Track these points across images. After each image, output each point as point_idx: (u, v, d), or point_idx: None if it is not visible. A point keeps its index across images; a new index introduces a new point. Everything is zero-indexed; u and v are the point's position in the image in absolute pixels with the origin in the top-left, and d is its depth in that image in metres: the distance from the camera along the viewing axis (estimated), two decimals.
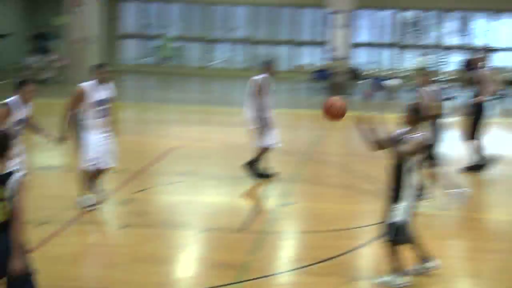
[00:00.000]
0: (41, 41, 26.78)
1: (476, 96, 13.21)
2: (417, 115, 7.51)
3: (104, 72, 10.22)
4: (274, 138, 12.05)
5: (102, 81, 10.14)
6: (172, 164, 13.83)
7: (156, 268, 7.99)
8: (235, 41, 31.71)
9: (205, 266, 8.17)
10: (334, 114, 8.07)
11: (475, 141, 13.24)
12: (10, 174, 5.76)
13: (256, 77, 12.09)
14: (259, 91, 11.99)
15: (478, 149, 13.29)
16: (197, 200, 11.17)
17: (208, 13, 31.51)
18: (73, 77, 25.03)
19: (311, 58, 30.92)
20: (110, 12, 30.61)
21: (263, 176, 12.16)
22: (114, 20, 31.27)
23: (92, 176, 10.29)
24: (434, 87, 11.39)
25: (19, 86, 9.20)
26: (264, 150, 12.13)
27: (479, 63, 13.41)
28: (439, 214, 10.47)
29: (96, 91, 10.07)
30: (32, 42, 27.21)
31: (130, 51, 32.09)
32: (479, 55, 13.71)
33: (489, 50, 16.44)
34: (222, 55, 32.16)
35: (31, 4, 30.48)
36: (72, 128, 10.68)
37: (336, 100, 7.99)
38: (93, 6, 26.49)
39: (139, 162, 13.52)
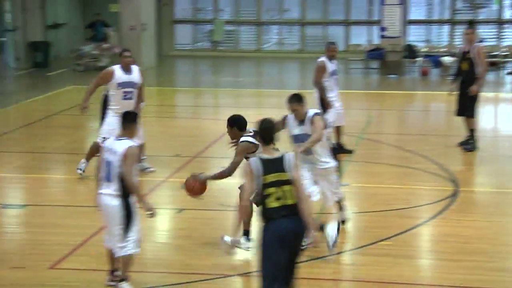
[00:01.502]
0: (96, 29, 27.03)
1: None
2: None
3: (126, 57, 11.01)
4: (333, 117, 12.04)
5: (125, 66, 10.95)
6: (227, 148, 13.88)
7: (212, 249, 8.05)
8: (287, 23, 31.59)
9: None
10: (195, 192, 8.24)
11: None
12: (282, 157, 6.31)
13: (319, 59, 12.30)
14: (320, 73, 12.16)
15: None
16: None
17: None
18: None
19: (365, 37, 30.62)
20: None
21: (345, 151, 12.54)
22: (167, 5, 31.40)
23: (95, 151, 10.77)
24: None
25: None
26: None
27: None
28: None
29: (120, 75, 10.88)
30: (87, 30, 27.50)
31: (184, 36, 32.21)
32: None
33: None
34: (274, 37, 32.07)
35: None
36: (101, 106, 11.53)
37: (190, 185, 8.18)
38: None
39: (195, 146, 13.61)
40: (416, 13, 30.78)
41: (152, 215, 6.98)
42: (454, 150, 13.19)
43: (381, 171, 11.93)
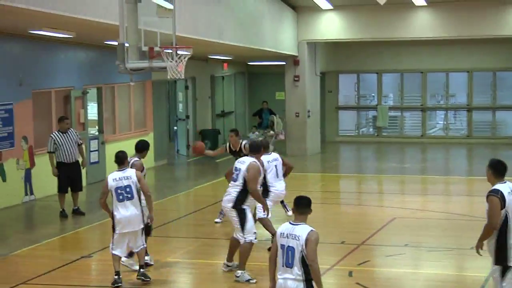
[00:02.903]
0: (262, 116, 27.88)
1: None
2: None
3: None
4: None
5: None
6: (394, 235, 13.75)
7: None
8: (452, 108, 31.21)
9: None
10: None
11: None
12: None
13: None
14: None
15: None
16: (420, 273, 11.01)
17: (423, 81, 31.34)
18: (291, 150, 25.75)
19: None
20: (327, 85, 31.31)
21: None
22: (332, 92, 31.91)
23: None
24: None
25: None
26: None
27: None
28: None
29: None
30: (254, 117, 28.40)
31: (348, 122, 32.49)
32: None
33: None
34: (439, 122, 31.71)
35: (253, 82, 31.89)
36: None
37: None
38: (311, 80, 27.25)
39: (361, 233, 13.57)
40: None
41: None
42: None
43: None
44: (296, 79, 26.47)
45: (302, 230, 7.13)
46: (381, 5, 22.46)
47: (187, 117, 25.89)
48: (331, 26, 26.14)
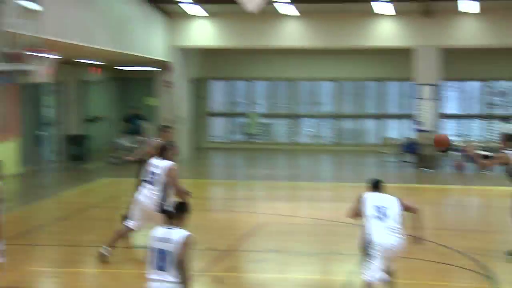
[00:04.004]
0: (132, 122, 27.52)
1: None
2: None
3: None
4: None
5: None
6: (261, 241, 13.83)
7: None
8: (321, 116, 31.88)
9: None
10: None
11: None
12: None
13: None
14: None
15: None
16: (287, 278, 11.10)
17: (293, 89, 31.87)
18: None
19: (398, 131, 30.75)
20: (199, 91, 31.31)
21: None
22: (203, 99, 31.95)
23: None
24: None
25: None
26: None
27: None
28: None
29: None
30: (124, 124, 28.01)
31: (218, 128, 32.63)
32: None
33: None
34: (308, 130, 32.32)
35: (123, 87, 31.48)
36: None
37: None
38: (183, 86, 27.16)
39: (228, 239, 13.57)
40: (451, 107, 30.93)
41: None
42: (492, 246, 13.00)
43: (416, 266, 11.76)
44: (167, 84, 26.33)
45: (178, 234, 7.10)
46: (254, 13, 22.66)
47: (54, 122, 25.23)
48: (203, 33, 26.17)
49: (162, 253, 7.06)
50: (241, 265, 11.81)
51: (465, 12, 24.67)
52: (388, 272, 8.93)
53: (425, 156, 24.69)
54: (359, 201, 9.19)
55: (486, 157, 13.21)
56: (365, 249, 8.88)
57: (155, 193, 11.04)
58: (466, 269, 11.43)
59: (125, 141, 25.94)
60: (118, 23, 21.21)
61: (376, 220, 8.99)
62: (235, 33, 26.16)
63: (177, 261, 7.03)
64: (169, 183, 11.00)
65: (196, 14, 25.57)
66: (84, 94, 27.91)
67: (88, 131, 27.50)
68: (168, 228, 7.19)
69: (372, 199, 9.16)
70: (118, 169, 23.17)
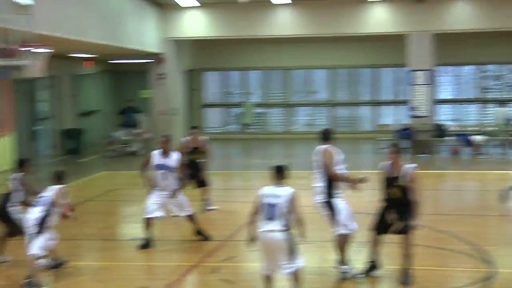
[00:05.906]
0: (127, 115, 27.52)
1: None
2: None
3: (164, 142, 12.36)
4: None
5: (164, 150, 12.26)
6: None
7: None
8: (315, 104, 31.89)
9: None
10: None
11: None
12: None
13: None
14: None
15: None
16: None
17: (287, 78, 31.87)
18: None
19: (393, 117, 30.78)
20: (193, 83, 31.30)
21: None
22: (197, 90, 31.94)
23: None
24: None
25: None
26: None
27: None
28: None
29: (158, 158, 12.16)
30: (119, 116, 28.01)
31: (213, 119, 32.62)
32: None
33: None
34: (303, 119, 32.34)
35: (117, 80, 31.46)
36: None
37: None
38: (176, 78, 27.15)
39: (225, 229, 13.59)
40: (445, 92, 30.95)
41: None
42: (489, 230, 13.04)
43: (413, 252, 11.78)
44: (161, 77, 26.32)
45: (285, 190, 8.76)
46: (246, 3, 22.64)
47: (49, 116, 25.21)
48: (195, 24, 26.13)
49: (272, 206, 8.57)
50: (238, 255, 11.83)
51: None
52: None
53: (420, 142, 24.73)
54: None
55: None
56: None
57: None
58: (463, 253, 11.47)
59: (120, 134, 25.93)
60: (110, 16, 21.17)
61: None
62: (228, 24, 26.12)
63: (286, 212, 8.57)
64: None
65: (188, 5, 25.53)
66: (78, 88, 27.88)
67: (83, 125, 27.49)
68: (276, 186, 8.83)
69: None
70: (113, 162, 23.18)
